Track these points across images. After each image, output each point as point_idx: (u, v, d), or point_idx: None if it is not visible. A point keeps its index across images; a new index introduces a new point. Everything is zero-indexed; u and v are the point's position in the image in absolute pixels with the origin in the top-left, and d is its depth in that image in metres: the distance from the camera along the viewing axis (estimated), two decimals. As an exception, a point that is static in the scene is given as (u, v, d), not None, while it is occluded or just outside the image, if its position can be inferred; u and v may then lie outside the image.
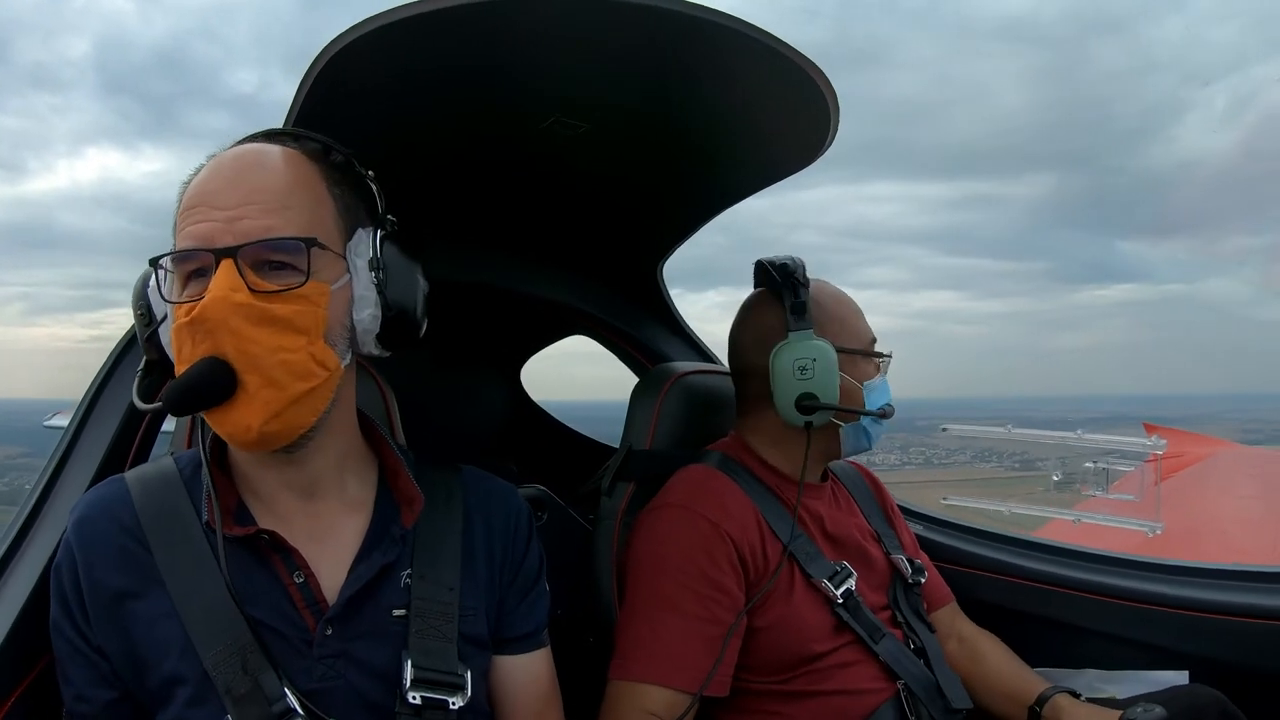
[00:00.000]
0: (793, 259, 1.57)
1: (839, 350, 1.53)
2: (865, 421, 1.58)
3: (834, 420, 1.56)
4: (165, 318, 1.02)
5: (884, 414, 1.59)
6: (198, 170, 1.03)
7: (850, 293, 1.64)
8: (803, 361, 1.51)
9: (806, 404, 1.51)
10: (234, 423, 0.95)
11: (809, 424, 1.53)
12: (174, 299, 0.99)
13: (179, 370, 0.96)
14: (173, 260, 0.99)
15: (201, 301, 0.93)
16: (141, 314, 1.05)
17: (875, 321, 1.66)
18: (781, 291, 1.56)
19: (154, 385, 1.08)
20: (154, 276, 1.03)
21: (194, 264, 0.97)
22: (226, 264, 0.94)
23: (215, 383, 0.93)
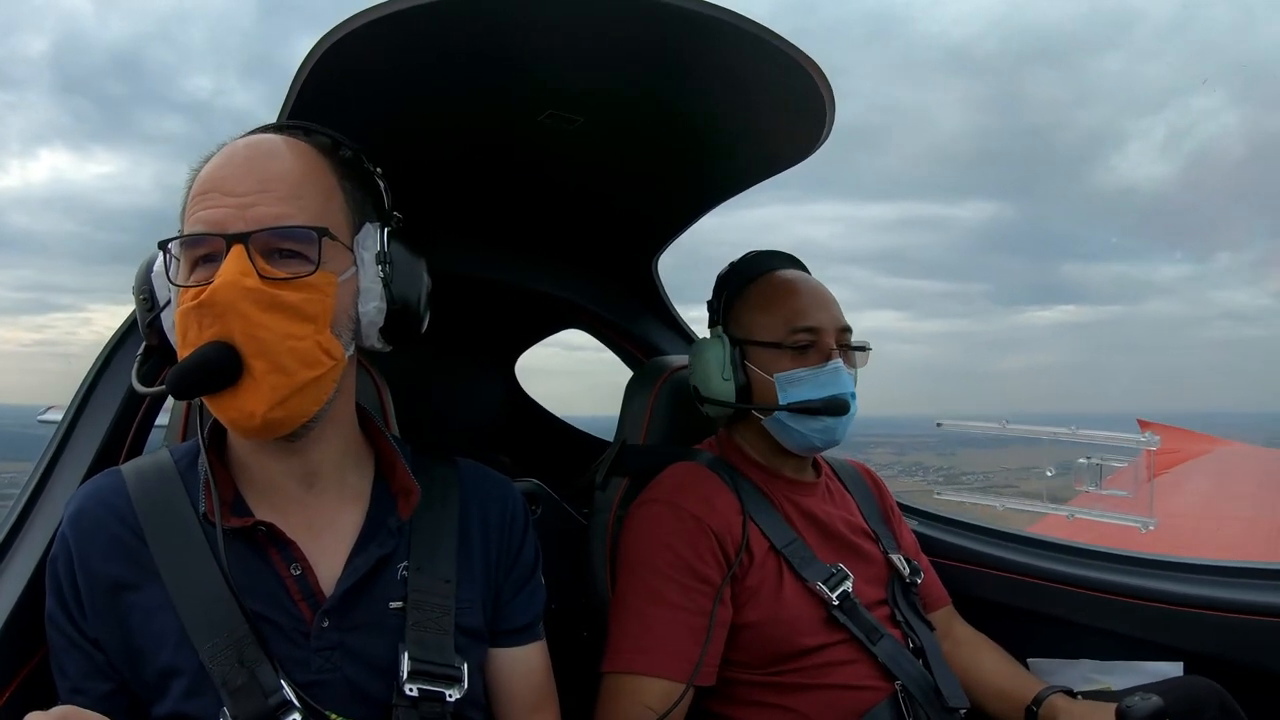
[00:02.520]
0: (737, 260, 1.67)
1: (750, 343, 1.58)
2: (783, 416, 1.54)
3: (755, 414, 1.59)
4: (169, 303, 1.02)
5: (803, 409, 1.52)
6: (208, 158, 1.04)
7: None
8: (692, 357, 1.64)
9: (698, 397, 1.63)
10: (238, 408, 0.95)
11: (708, 416, 1.65)
12: (181, 283, 0.98)
13: (182, 355, 0.96)
14: (181, 245, 0.99)
15: (211, 285, 0.93)
16: (144, 299, 1.06)
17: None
18: None
19: (153, 370, 1.09)
20: (159, 261, 1.03)
21: (204, 249, 0.98)
22: (237, 249, 0.94)
23: (221, 367, 0.93)
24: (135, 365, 1.09)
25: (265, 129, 1.09)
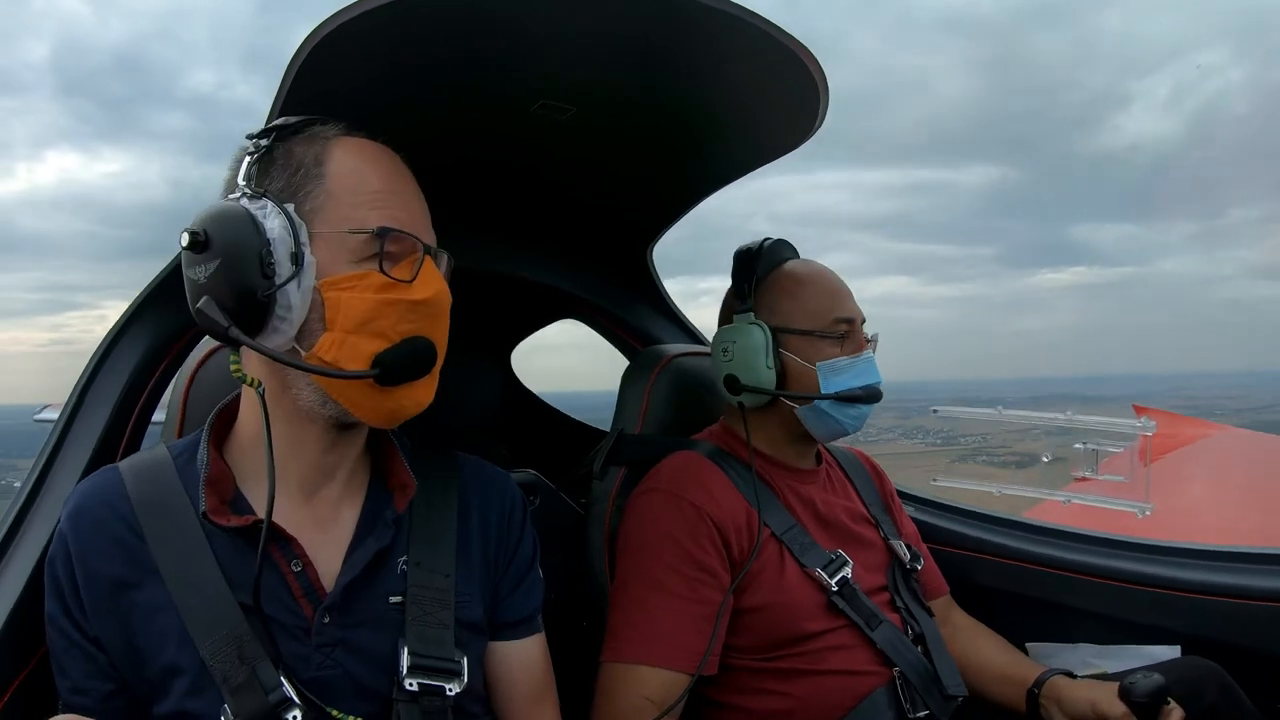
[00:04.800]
0: (756, 243, 1.62)
1: (787, 331, 1.56)
2: (824, 404, 1.54)
3: (786, 402, 1.57)
4: (295, 275, 0.97)
5: (847, 397, 1.54)
6: (327, 133, 1.06)
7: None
8: (725, 344, 1.58)
9: (733, 386, 1.58)
10: (413, 398, 1.03)
11: (741, 405, 1.59)
12: (392, 273, 1.00)
13: (349, 341, 0.97)
14: (382, 235, 1.00)
15: (435, 287, 1.02)
16: (269, 262, 0.96)
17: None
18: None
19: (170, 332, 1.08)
20: (282, 225, 0.97)
21: (393, 245, 1.01)
22: (432, 261, 1.04)
23: (429, 362, 1.02)
24: (224, 320, 0.95)
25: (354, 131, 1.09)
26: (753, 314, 1.57)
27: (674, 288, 2.32)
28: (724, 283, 1.68)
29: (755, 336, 1.55)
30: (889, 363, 1.64)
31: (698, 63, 1.30)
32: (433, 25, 1.13)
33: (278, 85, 1.19)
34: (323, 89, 1.17)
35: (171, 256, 1.37)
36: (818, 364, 1.54)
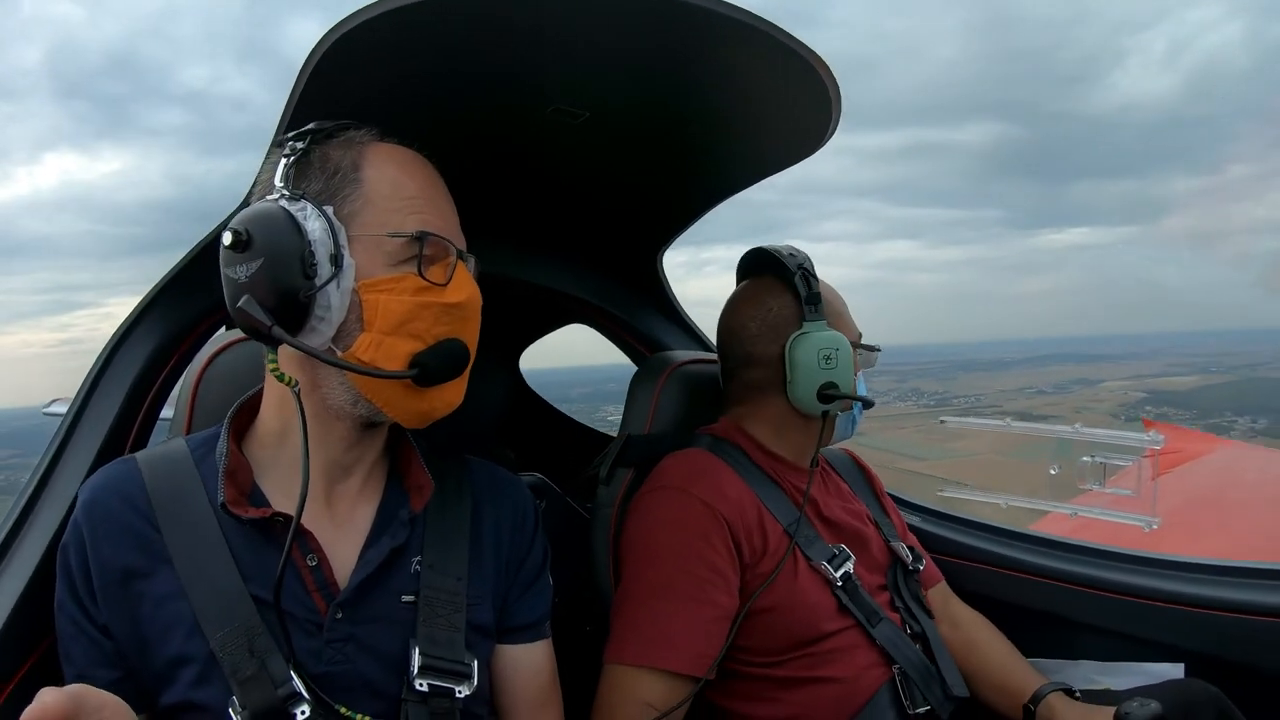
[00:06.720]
0: (790, 249, 1.64)
1: None
2: (855, 410, 1.66)
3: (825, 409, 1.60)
4: (334, 277, 0.98)
5: (870, 403, 1.66)
6: (361, 138, 1.08)
7: (809, 247, 1.70)
8: (827, 351, 1.57)
9: (828, 393, 1.56)
10: (444, 399, 1.06)
11: (826, 412, 1.59)
12: (428, 276, 1.03)
13: (387, 341, 1.00)
14: (420, 239, 1.02)
15: (468, 291, 1.06)
16: (311, 263, 0.97)
17: (838, 274, 1.75)
18: (793, 281, 1.61)
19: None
20: (322, 229, 0.98)
21: (429, 249, 1.03)
22: (463, 265, 1.07)
23: (461, 363, 1.06)
24: (265, 317, 0.96)
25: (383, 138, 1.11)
26: (825, 321, 1.60)
27: (679, 258, 2.35)
28: (727, 250, 1.72)
29: (848, 346, 1.59)
30: (899, 325, 1.68)
31: (712, 70, 1.30)
32: (447, 28, 1.13)
33: (278, 77, 1.20)
34: (336, 90, 1.18)
35: (179, 250, 1.39)
36: (859, 373, 1.65)
